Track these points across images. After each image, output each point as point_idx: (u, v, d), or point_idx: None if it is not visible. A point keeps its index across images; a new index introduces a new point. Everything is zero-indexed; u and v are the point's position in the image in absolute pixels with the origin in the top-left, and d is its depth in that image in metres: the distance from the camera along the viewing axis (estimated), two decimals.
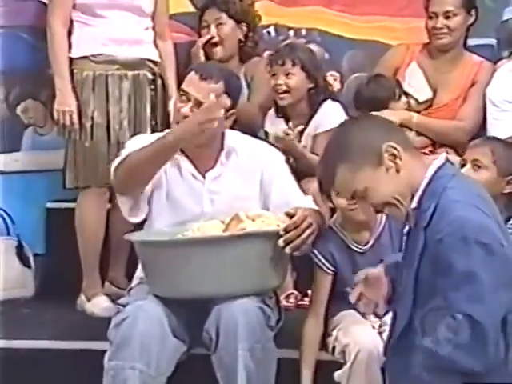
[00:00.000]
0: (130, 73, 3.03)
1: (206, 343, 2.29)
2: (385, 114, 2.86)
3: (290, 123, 3.02)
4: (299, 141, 2.99)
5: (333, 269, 2.42)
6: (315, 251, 2.42)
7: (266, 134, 3.11)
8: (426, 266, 1.79)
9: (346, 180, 1.84)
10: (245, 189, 2.48)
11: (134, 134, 2.97)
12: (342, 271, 2.41)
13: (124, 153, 2.44)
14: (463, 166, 2.48)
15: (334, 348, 2.39)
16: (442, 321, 1.72)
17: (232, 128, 2.56)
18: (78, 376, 2.57)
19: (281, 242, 2.21)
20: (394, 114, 2.95)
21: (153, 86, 3.08)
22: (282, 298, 2.93)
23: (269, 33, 3.53)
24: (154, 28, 3.12)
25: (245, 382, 2.20)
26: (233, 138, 2.52)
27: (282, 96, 2.97)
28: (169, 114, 3.06)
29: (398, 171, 1.83)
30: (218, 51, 3.23)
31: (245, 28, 3.27)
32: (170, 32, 3.20)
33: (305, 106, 3.01)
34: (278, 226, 2.25)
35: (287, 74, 2.96)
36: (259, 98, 3.16)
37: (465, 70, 3.19)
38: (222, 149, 2.49)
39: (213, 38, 3.23)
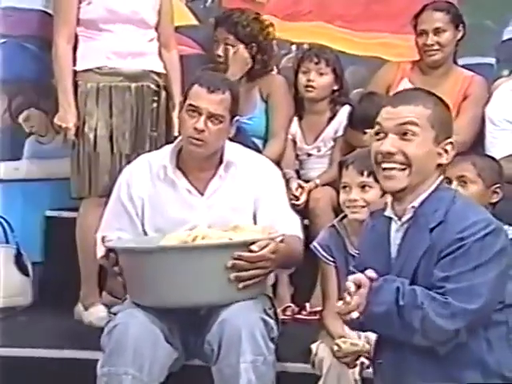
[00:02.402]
0: (133, 85, 3.06)
1: (207, 354, 2.29)
2: None
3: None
4: (315, 139, 3.19)
5: (333, 259, 2.43)
6: (315, 243, 2.47)
7: None
8: (429, 262, 1.84)
9: (408, 110, 1.88)
10: (241, 201, 2.50)
11: (136, 146, 3.03)
12: (339, 268, 2.44)
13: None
14: (449, 183, 2.49)
15: (313, 362, 2.41)
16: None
17: None
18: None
19: (229, 263, 2.20)
20: None
21: (156, 98, 3.10)
22: (278, 310, 2.95)
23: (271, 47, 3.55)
24: (158, 39, 3.14)
25: None
26: (232, 151, 2.54)
27: (310, 90, 3.14)
28: (170, 126, 3.09)
29: (438, 164, 1.90)
30: (225, 70, 3.23)
31: (254, 48, 3.28)
32: (175, 42, 3.21)
33: (325, 106, 3.18)
34: (231, 239, 2.26)
35: (320, 74, 3.12)
36: (281, 119, 3.25)
37: (456, 84, 3.22)
38: (220, 162, 2.51)
39: (219, 56, 3.25)
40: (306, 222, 2.94)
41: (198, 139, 2.44)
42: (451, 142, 1.93)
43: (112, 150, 3.01)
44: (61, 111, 2.99)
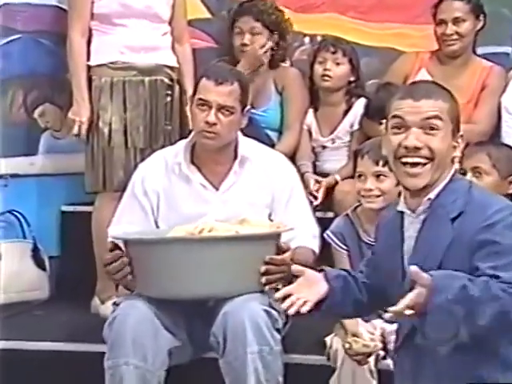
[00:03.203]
0: (147, 79, 3.06)
1: (214, 346, 2.30)
2: None
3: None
4: (331, 132, 3.18)
5: (346, 247, 2.43)
6: (328, 232, 2.47)
7: None
8: (456, 254, 1.81)
9: (431, 105, 1.87)
10: (257, 197, 2.50)
11: (150, 140, 3.04)
12: (352, 256, 2.43)
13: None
14: (463, 174, 2.48)
15: (328, 354, 2.41)
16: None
17: None
18: (91, 378, 2.58)
19: (262, 268, 2.22)
20: None
21: (169, 92, 3.11)
22: None
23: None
24: (172, 33, 3.15)
25: None
26: (247, 146, 2.54)
27: (326, 79, 3.12)
28: (184, 119, 3.09)
29: (452, 159, 1.91)
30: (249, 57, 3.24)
31: (276, 36, 3.28)
32: (188, 36, 3.22)
33: (341, 97, 3.16)
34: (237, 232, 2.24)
35: (337, 63, 3.11)
36: (296, 111, 3.24)
37: (475, 74, 3.20)
38: (235, 157, 2.51)
39: (245, 45, 3.23)
40: (331, 214, 2.93)
41: (210, 132, 2.44)
42: (462, 135, 1.94)
43: (126, 144, 3.02)
44: (75, 106, 3.01)
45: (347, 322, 2.37)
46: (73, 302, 3.08)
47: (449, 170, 1.92)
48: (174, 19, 3.14)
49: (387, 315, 1.71)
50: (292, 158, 3.15)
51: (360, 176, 2.44)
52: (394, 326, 2.30)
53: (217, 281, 2.20)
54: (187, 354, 2.41)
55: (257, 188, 2.50)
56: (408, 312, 1.69)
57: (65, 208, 3.41)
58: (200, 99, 2.47)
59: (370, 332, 2.36)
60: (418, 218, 1.91)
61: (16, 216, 3.34)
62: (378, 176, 2.41)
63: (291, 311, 1.88)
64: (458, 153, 1.93)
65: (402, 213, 1.95)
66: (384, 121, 2.89)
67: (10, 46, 3.34)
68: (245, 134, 2.60)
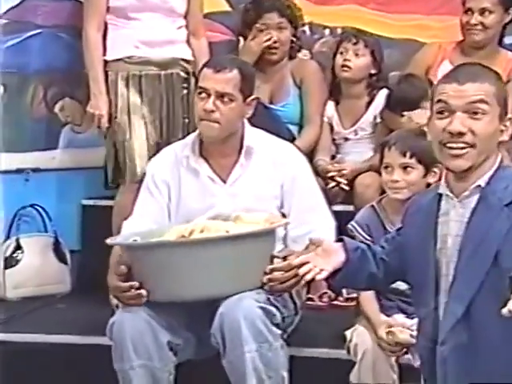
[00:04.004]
0: (163, 72, 3.06)
1: (215, 347, 2.28)
2: (421, 113, 2.85)
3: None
4: (354, 123, 3.15)
5: (371, 239, 2.42)
6: (353, 223, 2.45)
7: None
8: None
9: (476, 88, 1.82)
10: (264, 189, 2.48)
11: (168, 133, 3.04)
12: None
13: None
14: None
15: (348, 348, 2.40)
16: None
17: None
18: (112, 371, 2.59)
19: (265, 279, 2.23)
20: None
21: (186, 85, 3.10)
22: (315, 297, 2.94)
23: (304, 31, 3.53)
24: (187, 26, 3.14)
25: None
26: (253, 136, 2.52)
27: (345, 69, 3.10)
28: None
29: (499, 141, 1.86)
30: (278, 54, 3.23)
31: (292, 30, 3.28)
32: (204, 30, 3.21)
33: (362, 90, 3.14)
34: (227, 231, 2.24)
35: (357, 54, 3.09)
36: (316, 104, 3.23)
37: (500, 66, 3.13)
38: (241, 148, 2.49)
39: (275, 41, 3.21)
40: (351, 208, 2.91)
41: (208, 120, 2.42)
42: (510, 118, 1.88)
43: (145, 137, 3.02)
44: (92, 100, 3.02)
45: (370, 312, 2.36)
46: (94, 295, 3.08)
47: (496, 155, 1.87)
48: (189, 13, 3.13)
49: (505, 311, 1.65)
50: (313, 151, 3.14)
51: (387, 167, 2.43)
52: (415, 321, 2.29)
53: (209, 282, 2.19)
54: (193, 351, 2.39)
55: (264, 179, 2.48)
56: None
57: (85, 202, 3.43)
58: (199, 87, 2.46)
59: (401, 324, 2.34)
60: (461, 203, 1.87)
61: (37, 210, 3.37)
62: (404, 168, 2.39)
63: (308, 277, 1.89)
64: (505, 136, 1.87)
65: (439, 197, 1.91)
66: (406, 113, 2.89)
67: (30, 40, 3.37)
68: (265, 130, 2.59)
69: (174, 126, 3.08)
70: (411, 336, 2.23)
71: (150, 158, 2.77)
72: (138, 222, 2.49)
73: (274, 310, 2.27)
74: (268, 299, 2.26)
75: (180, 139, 2.83)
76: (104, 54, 3.04)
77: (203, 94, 2.44)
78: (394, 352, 2.29)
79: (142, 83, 3.04)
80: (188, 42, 3.14)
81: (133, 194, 2.93)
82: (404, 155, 2.39)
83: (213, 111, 2.41)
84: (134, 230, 2.45)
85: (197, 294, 2.21)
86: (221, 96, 2.42)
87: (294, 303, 2.42)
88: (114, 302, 3.05)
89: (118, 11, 3.03)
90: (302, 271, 1.90)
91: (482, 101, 1.83)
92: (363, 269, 1.98)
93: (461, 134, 1.82)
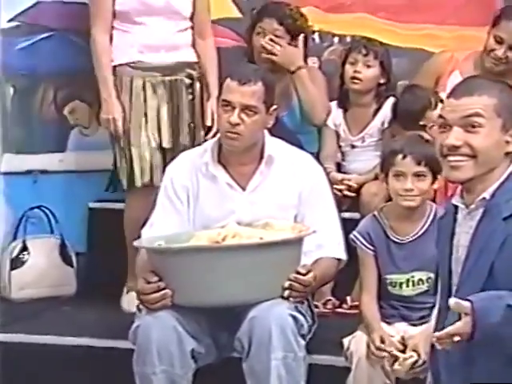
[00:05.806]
0: (167, 78, 3.05)
1: (238, 351, 2.30)
2: None
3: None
4: (361, 131, 3.16)
5: (372, 248, 2.42)
6: (355, 232, 2.46)
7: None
8: (509, 255, 1.77)
9: (472, 102, 1.83)
10: (284, 198, 2.48)
11: (174, 138, 3.04)
12: (379, 257, 2.43)
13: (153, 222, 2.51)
14: None
15: (346, 355, 2.41)
16: None
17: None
18: (117, 373, 2.60)
19: (287, 284, 2.25)
20: None
21: (190, 90, 3.09)
22: (319, 304, 2.94)
23: (313, 39, 3.53)
24: (193, 27, 3.11)
25: None
26: (273, 146, 2.53)
27: (356, 82, 3.10)
28: (204, 114, 3.08)
29: (507, 152, 1.85)
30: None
31: (296, 42, 3.23)
32: (210, 31, 3.17)
33: (371, 99, 3.15)
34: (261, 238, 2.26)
35: (367, 65, 3.08)
36: (318, 89, 3.20)
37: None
38: (261, 157, 2.50)
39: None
40: (358, 215, 2.92)
41: (233, 133, 2.43)
42: None
43: (150, 143, 3.02)
44: (103, 105, 3.01)
45: (371, 319, 2.37)
46: (100, 298, 3.10)
47: (504, 167, 1.87)
48: (195, 14, 3.10)
49: (435, 342, 1.72)
50: (316, 156, 3.14)
51: (398, 175, 2.43)
52: (418, 330, 2.30)
53: (243, 288, 2.20)
54: (212, 357, 2.40)
55: (283, 188, 2.49)
56: (456, 339, 1.70)
57: (92, 205, 3.43)
58: (224, 100, 2.45)
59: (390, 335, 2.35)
60: (470, 215, 1.88)
61: (44, 212, 3.38)
62: (418, 176, 2.40)
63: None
64: (511, 148, 1.87)
65: (456, 207, 1.93)
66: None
67: (41, 43, 3.39)
68: (281, 138, 2.58)
69: (179, 131, 3.07)
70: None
71: (164, 165, 2.76)
72: (159, 231, 2.46)
73: (302, 319, 2.28)
74: (296, 307, 2.28)
75: (187, 145, 2.85)
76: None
77: (228, 107, 2.44)
78: (382, 357, 2.30)
79: (146, 89, 3.02)
80: (193, 45, 3.12)
81: (142, 199, 2.94)
82: (419, 164, 2.40)
83: (238, 124, 2.42)
84: (157, 234, 2.44)
85: (230, 299, 2.21)
86: (245, 108, 2.42)
87: (312, 311, 2.44)
88: (133, 304, 3.07)
89: (122, 16, 3.02)
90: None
91: (477, 114, 1.83)
92: None
93: (456, 148, 1.84)
